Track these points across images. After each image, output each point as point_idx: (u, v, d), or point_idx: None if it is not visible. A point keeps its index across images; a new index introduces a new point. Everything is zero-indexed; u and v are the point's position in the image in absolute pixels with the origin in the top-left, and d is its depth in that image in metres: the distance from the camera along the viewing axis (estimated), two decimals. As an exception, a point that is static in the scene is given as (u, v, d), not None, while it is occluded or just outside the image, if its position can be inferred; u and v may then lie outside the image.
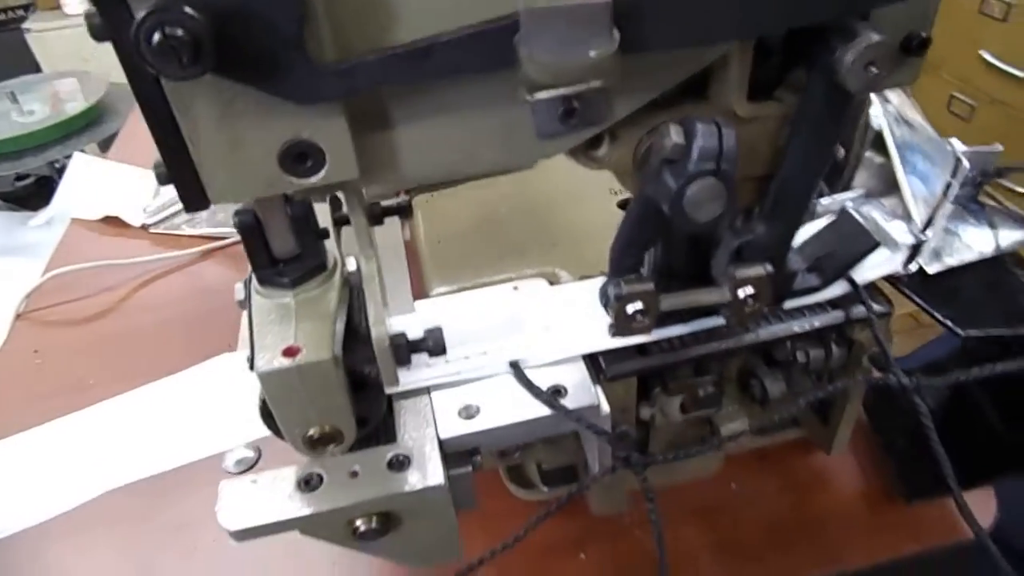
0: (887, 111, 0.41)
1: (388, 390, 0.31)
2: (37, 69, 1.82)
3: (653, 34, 0.23)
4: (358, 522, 0.32)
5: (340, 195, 0.31)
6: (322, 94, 0.22)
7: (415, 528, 0.34)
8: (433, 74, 0.22)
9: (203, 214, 0.83)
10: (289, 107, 0.23)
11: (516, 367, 0.35)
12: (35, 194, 1.27)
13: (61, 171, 1.21)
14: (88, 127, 1.19)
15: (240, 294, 0.31)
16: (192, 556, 0.50)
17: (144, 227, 0.83)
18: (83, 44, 1.95)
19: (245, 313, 0.47)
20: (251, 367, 0.28)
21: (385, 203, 0.36)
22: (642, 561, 0.47)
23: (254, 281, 0.30)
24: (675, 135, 0.26)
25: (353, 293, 0.32)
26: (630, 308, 0.30)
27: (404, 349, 0.29)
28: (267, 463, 0.56)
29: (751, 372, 0.44)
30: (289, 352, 0.27)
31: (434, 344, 0.29)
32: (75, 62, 1.75)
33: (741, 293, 0.30)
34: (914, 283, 0.38)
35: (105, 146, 1.09)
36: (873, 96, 0.41)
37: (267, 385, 0.27)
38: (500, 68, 0.22)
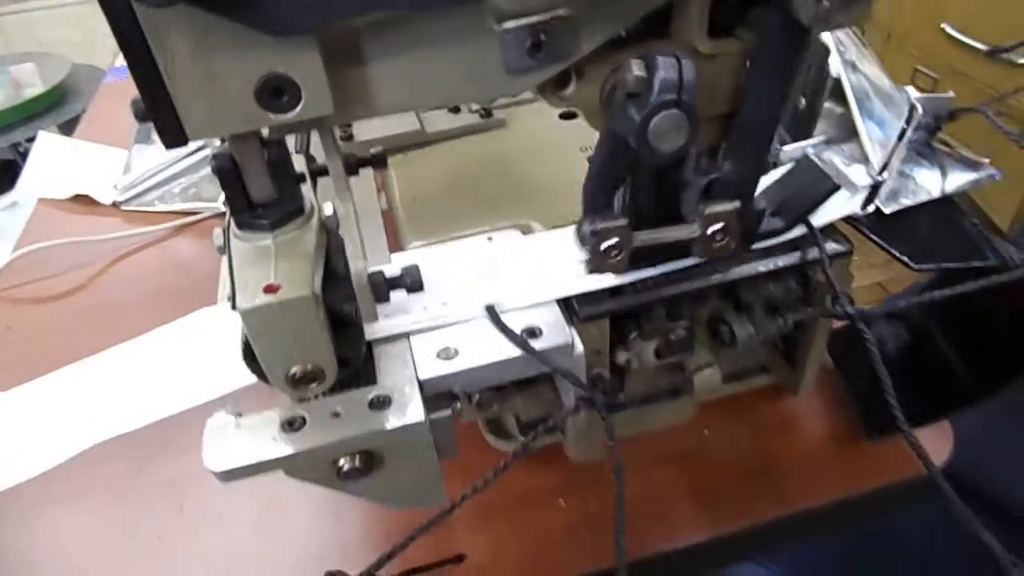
0: (845, 61, 0.42)
1: (368, 330, 0.32)
2: (-6, 54, 1.78)
3: (615, -36, 0.24)
4: (342, 461, 0.33)
5: (317, 138, 0.31)
6: (296, 25, 0.23)
7: (397, 468, 0.35)
8: (406, 3, 0.23)
9: (175, 190, 0.83)
10: (264, 40, 0.23)
11: (491, 310, 0.36)
12: (-2, 178, 1.25)
13: (24, 155, 1.19)
14: (50, 109, 1.17)
15: (219, 240, 0.32)
16: (179, 514, 0.50)
17: (115, 204, 0.82)
18: (39, 28, 1.91)
19: (223, 260, 0.48)
20: (233, 306, 0.29)
21: (360, 155, 0.37)
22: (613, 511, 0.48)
23: (232, 225, 0.31)
24: (637, 69, 0.27)
25: (330, 238, 0.33)
26: (604, 244, 0.31)
27: (383, 285, 0.29)
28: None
29: (720, 318, 0.45)
30: (269, 289, 0.28)
31: (411, 281, 0.30)
32: (31, 46, 1.72)
33: (711, 229, 0.31)
34: (871, 223, 0.40)
35: (68, 128, 1.07)
36: (832, 46, 0.43)
37: (249, 322, 0.28)
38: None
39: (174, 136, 0.25)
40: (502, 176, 0.49)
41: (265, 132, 0.29)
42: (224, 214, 0.80)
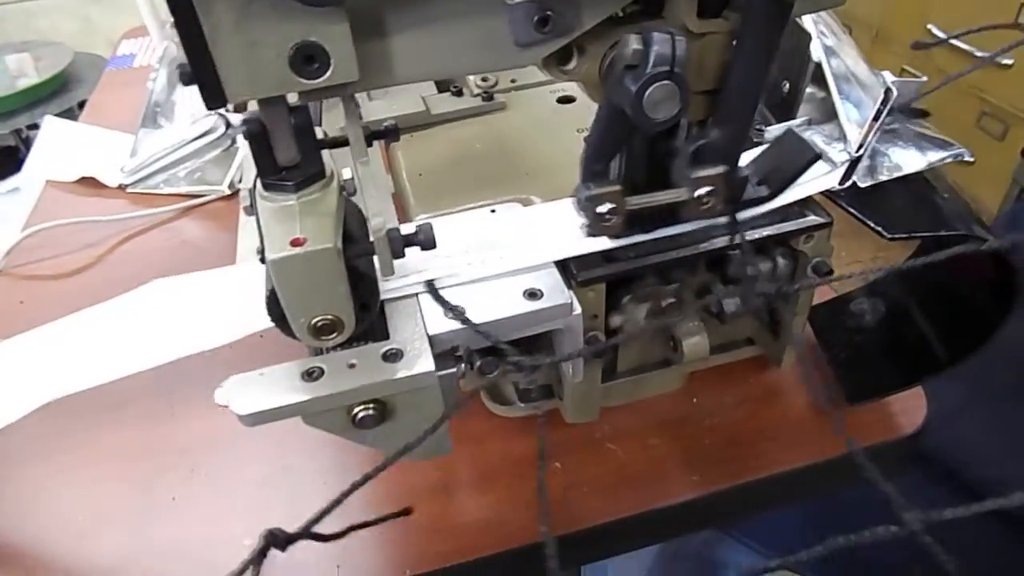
0: (826, 48, 0.45)
1: (383, 282, 0.34)
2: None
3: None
4: (357, 409, 0.36)
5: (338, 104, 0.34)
6: (329, -3, 0.26)
7: (409, 419, 0.37)
8: (427, -23, 0.25)
9: (180, 174, 0.85)
10: (300, 10, 0.26)
11: (430, 284, 0.38)
12: None
13: (26, 141, 1.21)
14: (55, 95, 1.19)
15: (246, 200, 0.34)
16: (191, 477, 0.53)
17: (121, 187, 0.84)
18: (36, 18, 1.92)
19: (241, 225, 0.50)
20: (262, 259, 0.32)
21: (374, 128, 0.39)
22: (613, 471, 0.51)
23: (259, 187, 0.33)
24: (634, 43, 0.30)
25: (348, 204, 0.35)
26: (601, 208, 0.34)
27: (399, 241, 0.32)
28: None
29: (708, 290, 0.48)
30: (296, 242, 0.30)
31: (424, 238, 0.33)
32: (29, 35, 1.73)
33: (699, 192, 0.34)
34: (849, 196, 0.42)
35: (71, 115, 1.09)
36: (814, 33, 0.45)
37: (276, 272, 0.31)
38: (484, -25, 0.26)
39: (215, 97, 0.28)
40: (503, 155, 0.51)
41: (292, 99, 0.31)
42: (228, 197, 0.83)
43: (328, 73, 0.28)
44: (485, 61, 0.30)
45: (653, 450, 0.53)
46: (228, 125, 0.86)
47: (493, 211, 0.45)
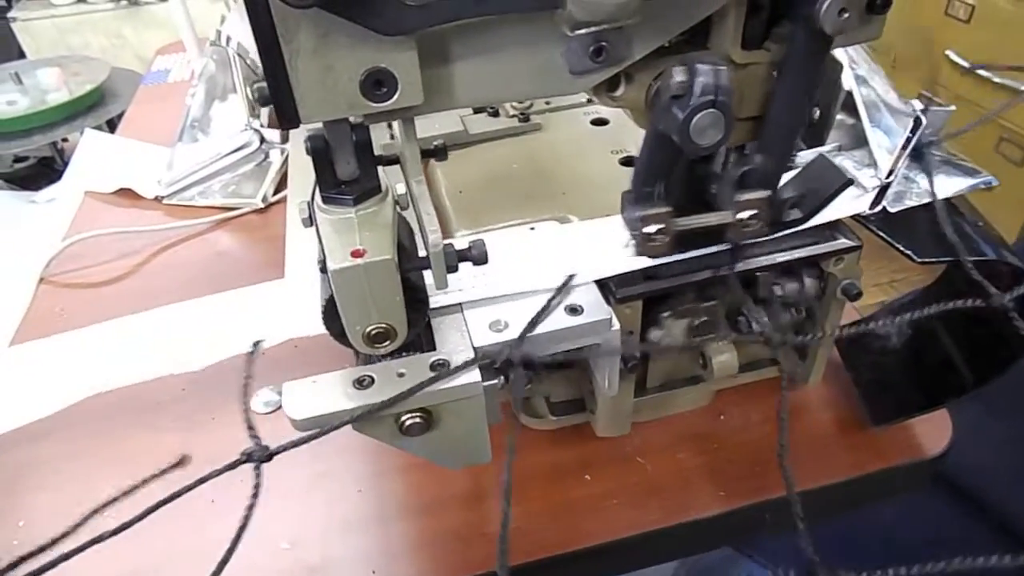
0: (857, 76, 0.47)
1: (434, 296, 0.36)
2: (22, 57, 1.84)
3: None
4: (405, 417, 0.37)
5: (394, 127, 0.36)
6: (402, 27, 0.27)
7: (452, 428, 0.39)
8: (495, 8, 0.27)
9: (215, 187, 0.87)
10: (372, 38, 0.28)
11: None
12: (35, 175, 1.30)
13: (62, 153, 1.24)
14: (91, 108, 1.22)
15: (304, 213, 0.36)
16: (229, 482, 0.54)
17: (158, 199, 0.87)
18: (69, 34, 1.98)
19: (288, 238, 0.52)
20: (322, 269, 0.33)
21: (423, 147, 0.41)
22: (641, 483, 0.52)
23: (318, 200, 0.35)
24: (680, 74, 0.32)
25: (399, 217, 0.37)
26: (649, 228, 0.35)
27: (453, 256, 0.34)
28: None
29: (739, 310, 0.49)
30: (356, 254, 0.32)
31: (478, 253, 0.34)
32: (61, 51, 1.77)
33: (743, 214, 0.35)
34: (878, 221, 0.44)
35: (105, 130, 1.12)
36: (845, 62, 0.47)
37: (337, 282, 0.32)
38: (548, 8, 0.28)
39: (289, 118, 0.29)
40: (540, 174, 0.53)
41: (353, 119, 0.33)
42: (261, 210, 0.85)
43: (395, 97, 0.30)
44: (540, 87, 0.32)
45: (681, 464, 0.54)
46: (262, 140, 0.88)
47: (532, 229, 0.47)
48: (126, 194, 0.88)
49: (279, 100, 0.29)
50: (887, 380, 0.54)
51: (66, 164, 0.95)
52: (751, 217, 0.36)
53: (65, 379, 0.49)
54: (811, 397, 0.57)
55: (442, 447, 0.41)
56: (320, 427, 0.36)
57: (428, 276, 0.36)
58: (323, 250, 0.33)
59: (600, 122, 0.59)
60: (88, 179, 0.91)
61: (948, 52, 1.65)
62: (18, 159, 1.31)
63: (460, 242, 0.46)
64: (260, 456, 0.31)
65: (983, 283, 0.36)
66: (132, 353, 0.50)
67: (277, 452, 0.32)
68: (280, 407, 0.61)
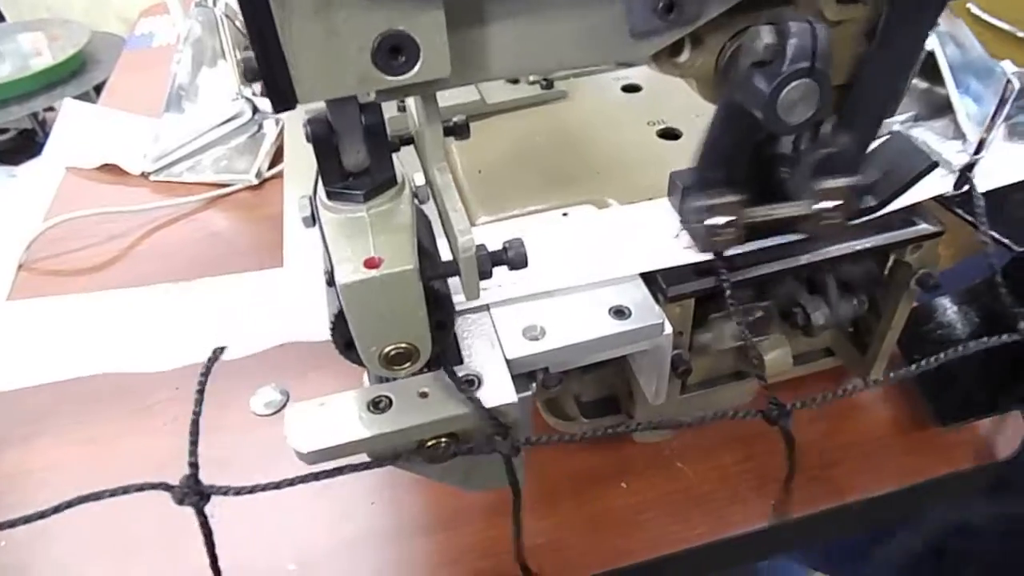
0: (938, 32, 0.40)
1: (458, 294, 0.30)
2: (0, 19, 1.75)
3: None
4: (430, 443, 0.32)
5: (411, 105, 0.30)
6: (426, -21, 0.21)
7: (480, 450, 0.33)
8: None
9: (206, 161, 0.81)
10: (389, -5, 0.22)
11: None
12: (16, 148, 1.23)
13: (43, 124, 1.17)
14: (73, 76, 1.15)
15: (305, 210, 0.30)
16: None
17: (144, 175, 0.81)
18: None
19: (286, 227, 0.46)
20: (329, 282, 0.28)
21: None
22: (682, 492, 0.48)
23: (321, 196, 0.29)
24: (768, 36, 0.26)
25: (419, 210, 0.31)
26: (715, 220, 0.30)
27: (487, 260, 0.28)
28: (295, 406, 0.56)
29: (793, 300, 0.44)
30: (370, 263, 0.26)
31: (515, 256, 0.28)
32: (41, 13, 1.68)
33: (823, 205, 0.29)
34: (964, 202, 0.38)
35: (89, 98, 1.05)
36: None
37: (349, 298, 0.27)
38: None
39: (283, 98, 0.23)
40: (570, 150, 0.47)
41: (363, 97, 0.27)
42: (255, 187, 0.79)
43: (416, 68, 0.24)
44: (591, 54, 0.26)
45: (725, 470, 0.49)
46: (255, 110, 0.82)
47: (565, 215, 0.41)
48: (110, 170, 0.82)
49: (270, 75, 0.23)
50: (953, 375, 0.49)
51: (47, 137, 0.89)
52: (832, 208, 0.30)
53: (49, 352, 0.43)
54: (866, 393, 0.52)
55: (467, 472, 0.36)
56: (331, 459, 0.31)
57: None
58: (329, 259, 0.27)
59: (632, 88, 0.53)
60: (69, 154, 0.85)
61: (969, 5, 1.57)
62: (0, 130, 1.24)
63: (483, 233, 0.40)
64: (191, 500, 0.26)
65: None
66: (117, 336, 0.44)
67: (215, 493, 0.27)
68: (283, 407, 0.57)
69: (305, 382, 0.55)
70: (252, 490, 0.28)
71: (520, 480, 0.38)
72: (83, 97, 1.11)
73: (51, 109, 0.92)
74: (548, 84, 0.51)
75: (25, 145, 1.15)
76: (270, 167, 0.79)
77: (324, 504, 0.48)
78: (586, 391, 0.49)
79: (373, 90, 0.25)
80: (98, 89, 1.10)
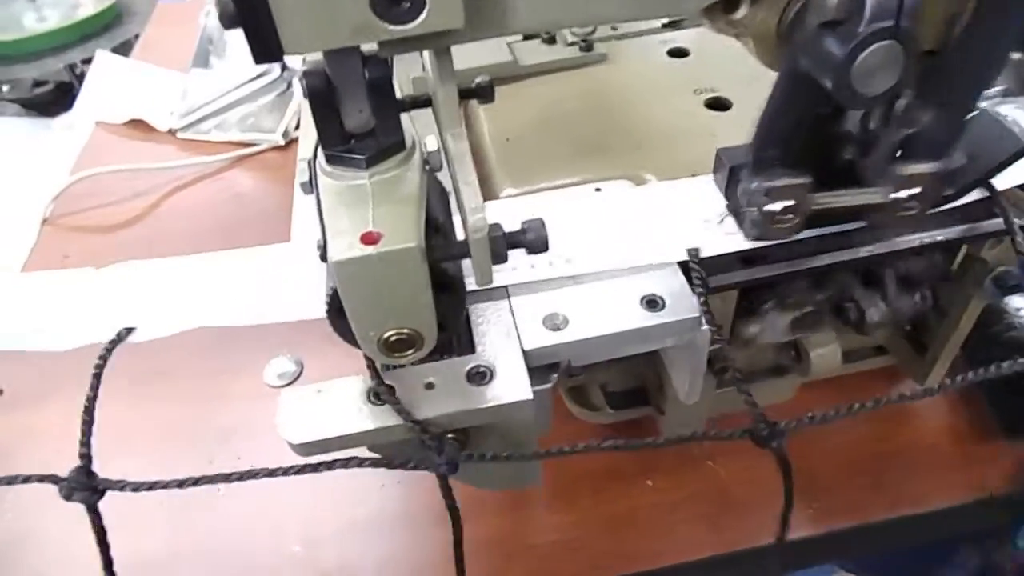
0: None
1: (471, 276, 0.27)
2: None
3: None
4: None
5: (426, 61, 0.26)
6: (432, -96, 0.18)
7: (493, 447, 0.30)
8: None
9: (233, 119, 0.78)
10: (389, -76, 0.18)
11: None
12: (54, 101, 1.22)
13: (80, 77, 1.16)
14: (107, 29, 1.13)
15: (304, 175, 0.27)
16: (238, 466, 0.47)
17: (171, 131, 0.79)
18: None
19: (295, 196, 0.42)
20: (322, 257, 0.25)
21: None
22: (714, 493, 0.44)
23: (320, 159, 0.26)
24: (844, -13, 0.21)
25: (430, 180, 0.28)
26: (775, 205, 0.26)
27: (501, 242, 0.25)
28: (309, 377, 0.53)
29: (845, 294, 0.40)
30: (368, 239, 0.23)
31: (535, 238, 0.25)
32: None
33: (902, 193, 0.25)
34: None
35: (123, 51, 1.04)
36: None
37: (343, 276, 0.24)
38: None
39: (265, 48, 0.20)
40: (607, 119, 0.43)
41: (365, 47, 0.24)
42: (282, 147, 0.76)
43: (422, 16, 0.20)
44: (629, 7, 0.22)
45: (759, 471, 0.45)
46: (284, 68, 0.79)
47: (598, 190, 0.37)
48: (138, 126, 0.80)
49: (251, 20, 0.19)
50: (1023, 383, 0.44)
51: (82, 90, 0.88)
52: (911, 197, 0.26)
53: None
54: (925, 398, 0.47)
55: (480, 470, 0.33)
56: (326, 451, 0.28)
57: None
58: (324, 230, 0.24)
59: (679, 53, 0.48)
60: (99, 108, 0.83)
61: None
62: (37, 83, 1.23)
63: (507, 207, 0.37)
64: (81, 496, 0.23)
65: None
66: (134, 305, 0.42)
67: (109, 488, 0.24)
68: (297, 378, 0.54)
69: (323, 357, 0.53)
70: (152, 486, 0.25)
71: (537, 478, 0.35)
72: (119, 49, 1.09)
73: (88, 61, 0.91)
74: (587, 46, 0.47)
75: (62, 98, 1.14)
76: (297, 127, 0.76)
77: (332, 485, 0.46)
78: (613, 380, 0.45)
79: (372, 41, 0.21)
80: (129, 45, 1.08)
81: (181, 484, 0.26)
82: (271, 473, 0.28)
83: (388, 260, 0.23)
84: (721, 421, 0.46)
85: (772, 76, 0.27)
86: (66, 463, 0.30)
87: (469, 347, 0.30)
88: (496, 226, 0.25)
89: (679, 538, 0.43)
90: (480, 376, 0.29)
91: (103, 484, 0.25)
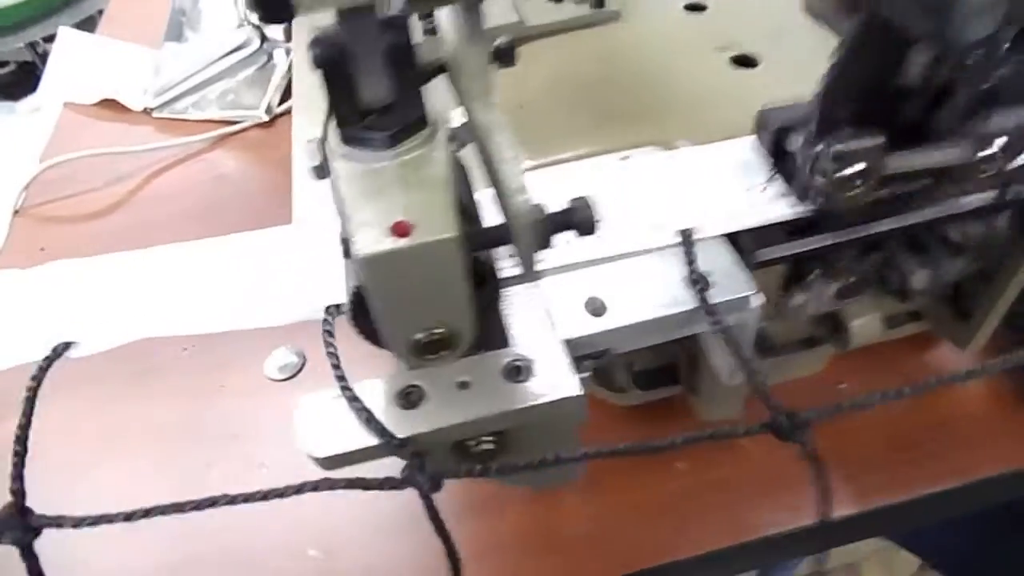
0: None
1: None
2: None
3: None
4: (470, 442, 0.26)
5: (442, 21, 0.23)
6: None
7: (533, 446, 0.28)
8: None
9: (211, 96, 0.74)
10: None
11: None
12: (17, 83, 1.16)
13: (44, 56, 1.10)
14: (67, 4, 1.07)
15: (315, 158, 0.24)
16: (246, 469, 0.45)
17: (146, 111, 0.74)
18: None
19: (295, 176, 0.39)
20: (346, 252, 0.22)
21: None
22: (750, 475, 0.42)
23: (333, 141, 0.23)
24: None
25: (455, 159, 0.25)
26: (848, 170, 0.23)
27: (547, 226, 0.22)
28: (312, 369, 0.51)
29: (890, 260, 0.37)
30: (400, 229, 0.20)
31: (582, 219, 0.22)
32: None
33: (988, 151, 0.23)
34: None
35: (87, 27, 0.98)
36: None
37: (371, 273, 0.21)
38: None
39: (273, 6, 0.17)
40: (626, 81, 0.40)
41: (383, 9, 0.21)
42: (266, 124, 0.72)
43: (458, -37, 0.17)
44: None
45: (794, 449, 0.43)
46: (264, 39, 0.74)
47: (626, 159, 0.34)
48: (110, 106, 0.75)
49: (258, -26, 0.16)
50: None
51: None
52: (995, 155, 0.23)
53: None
54: (960, 362, 0.46)
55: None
56: (353, 463, 0.26)
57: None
58: (345, 221, 0.21)
59: (696, 7, 0.45)
60: (67, 88, 0.78)
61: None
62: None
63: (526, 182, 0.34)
64: (12, 537, 0.20)
65: None
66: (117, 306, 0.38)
67: (48, 526, 0.21)
68: (299, 371, 0.51)
69: (322, 344, 0.50)
70: (96, 521, 0.22)
71: (574, 471, 0.33)
72: (83, 25, 1.04)
73: (51, 40, 0.86)
74: (598, 2, 0.44)
75: (25, 79, 1.09)
76: (281, 102, 0.72)
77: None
78: (640, 359, 0.43)
79: (398, -4, 0.18)
80: (92, 21, 1.02)
81: (128, 517, 0.22)
82: (248, 499, 0.24)
83: (424, 253, 0.20)
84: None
85: (799, 28, 0.25)
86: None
87: (502, 339, 0.28)
88: (539, 208, 0.22)
89: (713, 522, 0.41)
90: (518, 371, 0.26)
91: (39, 522, 0.21)
